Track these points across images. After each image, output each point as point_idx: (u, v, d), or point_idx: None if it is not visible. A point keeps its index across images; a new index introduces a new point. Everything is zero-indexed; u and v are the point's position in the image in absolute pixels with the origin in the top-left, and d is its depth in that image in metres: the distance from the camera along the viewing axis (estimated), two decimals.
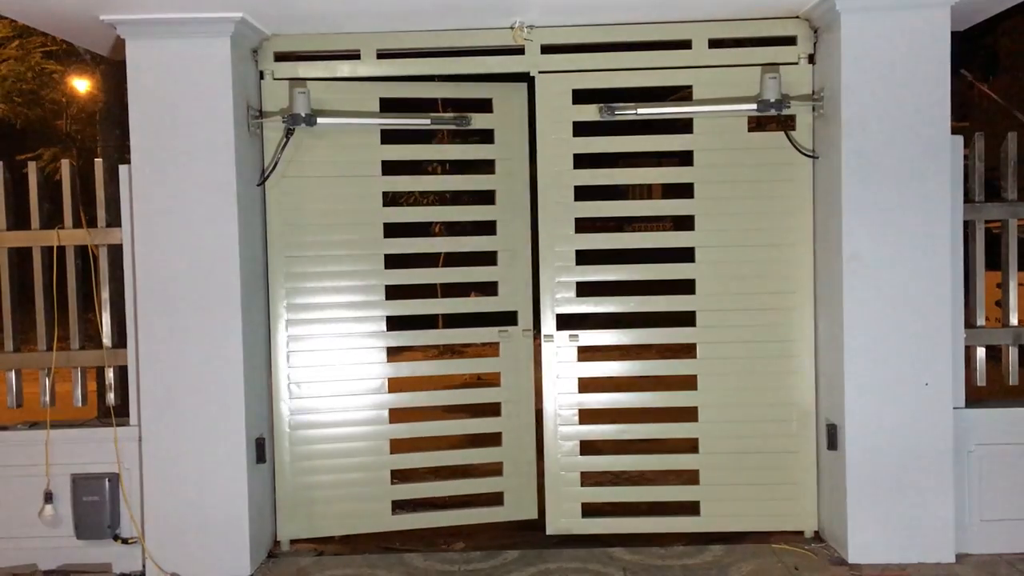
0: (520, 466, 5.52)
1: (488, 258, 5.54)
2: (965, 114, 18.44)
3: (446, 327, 5.97)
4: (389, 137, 5.39)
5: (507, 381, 5.56)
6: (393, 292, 5.41)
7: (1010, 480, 4.93)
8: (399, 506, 5.50)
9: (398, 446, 5.43)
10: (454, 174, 6.82)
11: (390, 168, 5.40)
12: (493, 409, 5.57)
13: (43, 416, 5.03)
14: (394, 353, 5.56)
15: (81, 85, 14.31)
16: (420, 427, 5.54)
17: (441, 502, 5.68)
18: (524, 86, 5.47)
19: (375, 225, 5.37)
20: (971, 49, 15.07)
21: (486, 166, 5.55)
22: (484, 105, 5.47)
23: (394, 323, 5.43)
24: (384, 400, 5.42)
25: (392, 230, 5.41)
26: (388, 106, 5.38)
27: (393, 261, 5.40)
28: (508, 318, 5.54)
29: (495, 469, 5.53)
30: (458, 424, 5.77)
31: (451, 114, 5.42)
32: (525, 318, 5.52)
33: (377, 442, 5.40)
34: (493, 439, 5.55)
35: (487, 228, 5.53)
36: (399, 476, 5.57)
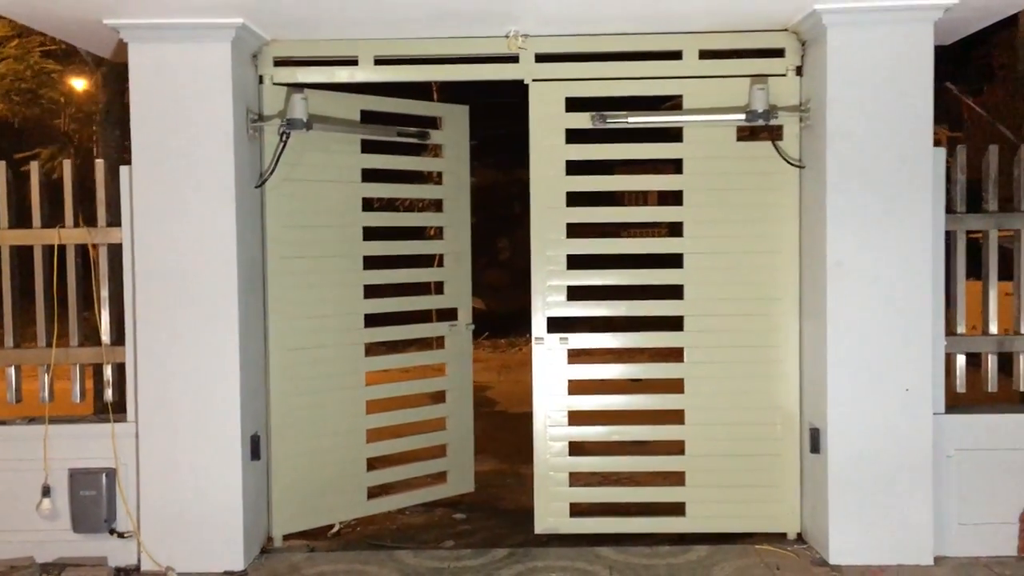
0: (461, 447, 6.20)
1: (432, 260, 6.26)
2: (959, 124, 18.62)
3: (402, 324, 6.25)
4: (368, 147, 5.74)
5: (451, 370, 6.15)
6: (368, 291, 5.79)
7: (988, 484, 5.04)
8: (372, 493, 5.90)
9: (372, 435, 5.82)
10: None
11: (368, 176, 5.75)
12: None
13: (42, 412, 5.12)
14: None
15: (79, 85, 14.41)
16: (393, 416, 5.95)
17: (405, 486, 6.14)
18: (467, 108, 6.23)
19: (355, 228, 5.66)
20: (964, 61, 15.21)
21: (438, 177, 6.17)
22: (433, 123, 5.98)
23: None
24: (362, 393, 5.72)
25: (369, 233, 5.77)
26: (368, 119, 5.71)
27: (369, 262, 5.76)
28: (451, 315, 6.23)
29: (440, 452, 6.17)
30: (414, 412, 6.10)
31: (414, 129, 5.82)
32: (465, 314, 6.19)
33: (355, 432, 5.69)
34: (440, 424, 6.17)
35: (439, 233, 6.21)
36: (372, 464, 5.93)
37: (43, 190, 5.23)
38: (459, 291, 6.22)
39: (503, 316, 17.37)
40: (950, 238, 5.14)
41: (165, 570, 4.93)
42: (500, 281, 20.28)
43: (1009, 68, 14.65)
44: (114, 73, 7.84)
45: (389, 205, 9.07)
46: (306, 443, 5.47)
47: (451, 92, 14.19)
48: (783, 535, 5.35)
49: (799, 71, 5.24)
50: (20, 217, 5.25)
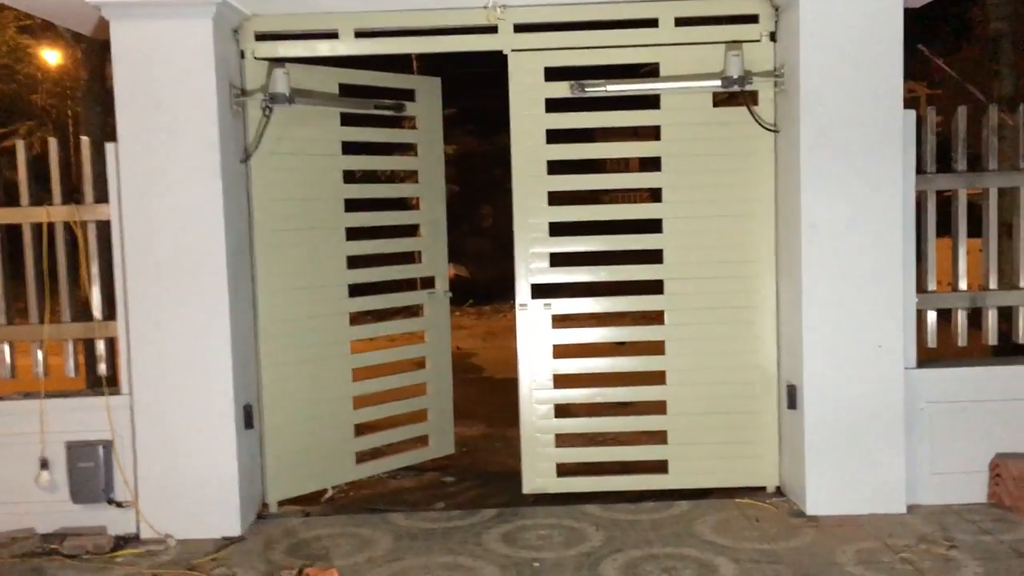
0: (441, 411, 6.42)
1: (413, 230, 6.40)
2: (939, 81, 18.72)
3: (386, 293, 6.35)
4: (346, 120, 5.83)
5: (430, 337, 6.35)
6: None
7: (958, 435, 5.23)
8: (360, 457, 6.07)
9: (358, 402, 5.97)
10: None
11: (348, 148, 5.86)
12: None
13: (36, 387, 5.21)
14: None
15: (53, 58, 14.34)
16: (376, 383, 6.13)
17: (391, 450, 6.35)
18: (439, 80, 6.34)
19: (338, 200, 5.78)
20: (941, 18, 15.27)
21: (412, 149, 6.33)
22: (409, 95, 6.06)
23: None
24: (348, 361, 5.86)
25: (350, 205, 5.89)
26: (346, 92, 5.79)
27: (350, 234, 5.89)
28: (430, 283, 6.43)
29: (422, 416, 6.35)
30: (396, 379, 6.26)
31: (390, 101, 5.89)
32: (442, 280, 6.39)
33: (343, 400, 5.85)
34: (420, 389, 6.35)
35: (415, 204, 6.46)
36: (359, 430, 6.07)
37: (28, 166, 5.27)
38: (436, 259, 6.40)
39: (487, 283, 17.50)
40: (921, 198, 5.28)
41: (164, 537, 5.06)
42: (483, 248, 20.39)
43: (984, 24, 14.78)
44: (94, 49, 7.84)
45: (372, 176, 9.16)
46: (297, 411, 5.60)
47: (431, 62, 14.24)
48: (763, 489, 5.54)
49: (773, 36, 5.34)
50: (7, 194, 5.30)
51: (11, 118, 15.14)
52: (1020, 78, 8.67)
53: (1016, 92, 8.55)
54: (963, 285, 5.36)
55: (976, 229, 5.37)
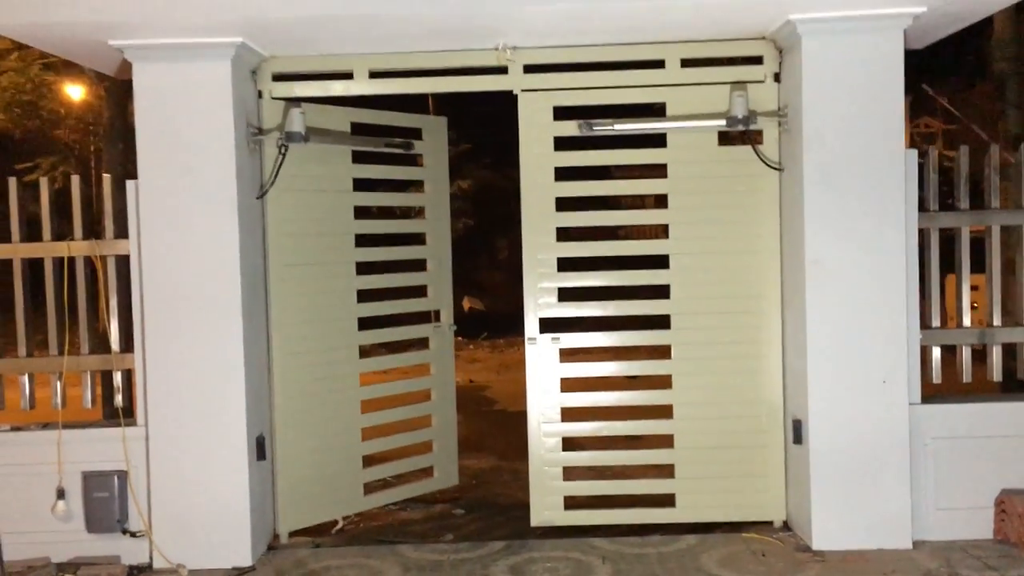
0: (446, 442, 6.51)
1: (420, 265, 6.45)
2: (955, 118, 18.80)
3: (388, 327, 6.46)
4: (358, 158, 5.99)
5: (435, 369, 6.46)
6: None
7: (964, 471, 5.25)
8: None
9: (366, 434, 6.09)
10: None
11: (359, 185, 6.01)
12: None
13: (55, 417, 5.33)
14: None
15: (76, 94, 14.62)
16: (383, 415, 6.22)
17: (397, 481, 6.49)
18: (445, 119, 6.37)
19: (349, 235, 5.92)
20: (957, 54, 15.32)
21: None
22: (416, 133, 6.22)
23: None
24: (357, 393, 5.99)
25: (360, 240, 6.05)
26: (357, 130, 5.96)
27: (360, 268, 6.04)
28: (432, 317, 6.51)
29: (427, 448, 6.47)
30: (402, 411, 6.39)
31: (400, 140, 6.06)
32: (447, 314, 6.47)
33: (352, 431, 5.95)
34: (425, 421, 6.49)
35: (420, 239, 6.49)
36: (368, 461, 6.16)
37: (51, 202, 5.43)
38: (441, 293, 6.49)
39: (502, 316, 17.57)
40: (925, 235, 5.35)
41: (176, 567, 5.14)
42: (499, 281, 20.49)
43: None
44: (117, 88, 8.06)
45: (382, 212, 9.28)
46: (308, 443, 5.69)
47: (446, 99, 14.47)
48: (770, 523, 5.56)
49: (777, 77, 5.45)
50: (29, 228, 5.45)
51: (35, 153, 15.43)
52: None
53: (1022, 131, 8.62)
54: (967, 322, 5.41)
55: (980, 266, 5.43)
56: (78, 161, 15.14)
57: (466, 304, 19.36)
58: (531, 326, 5.64)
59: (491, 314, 18.44)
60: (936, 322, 5.41)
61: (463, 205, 19.24)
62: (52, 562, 5.22)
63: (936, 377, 5.40)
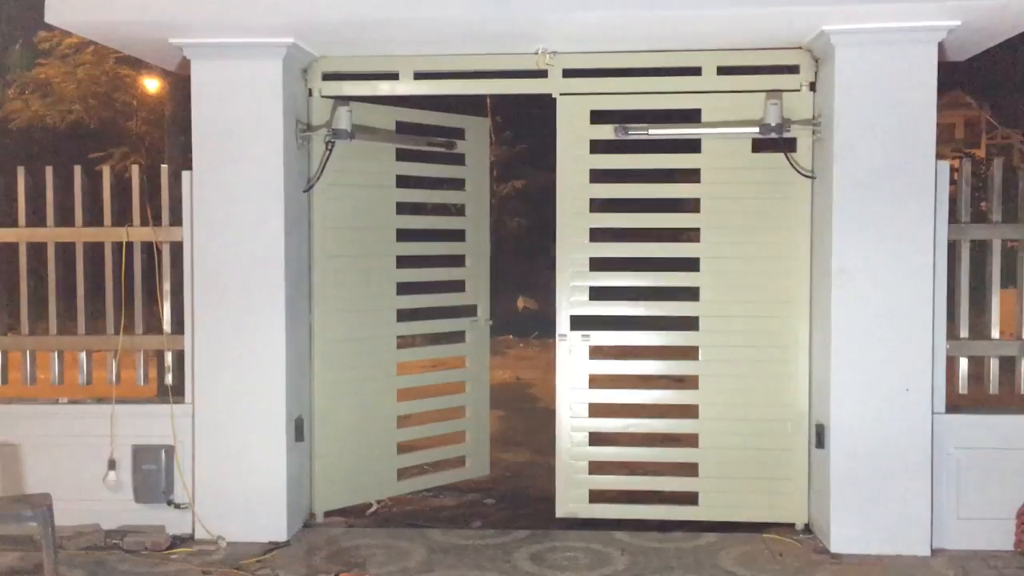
0: (479, 433, 6.70)
1: (458, 260, 6.63)
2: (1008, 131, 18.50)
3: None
4: (401, 155, 6.22)
5: (470, 362, 6.66)
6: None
7: (986, 482, 5.28)
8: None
9: (401, 422, 6.33)
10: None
11: (401, 182, 6.24)
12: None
13: (109, 393, 5.65)
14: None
15: (151, 86, 15.15)
16: (419, 404, 6.50)
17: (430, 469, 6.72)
18: (487, 120, 6.65)
19: (390, 230, 6.16)
20: (1011, 64, 15.03)
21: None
22: (459, 133, 6.42)
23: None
24: (394, 382, 6.22)
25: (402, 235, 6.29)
26: (401, 129, 6.19)
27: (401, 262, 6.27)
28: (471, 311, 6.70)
29: (460, 438, 6.70)
30: (437, 401, 6.62)
31: (442, 139, 6.28)
32: (483, 309, 6.66)
33: (387, 418, 6.21)
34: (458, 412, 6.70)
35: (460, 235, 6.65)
36: (402, 448, 6.41)
37: (113, 190, 5.75)
38: (479, 289, 6.68)
39: (555, 315, 17.66)
40: (955, 246, 5.39)
41: (216, 539, 5.42)
42: (553, 281, 20.55)
43: None
44: (180, 83, 8.41)
45: (423, 208, 9.45)
46: (345, 427, 5.94)
47: (502, 102, 14.74)
48: (791, 525, 5.64)
49: (812, 87, 5.53)
50: (92, 213, 5.79)
51: (108, 143, 16.03)
52: None
53: None
54: (995, 334, 5.43)
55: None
56: (148, 151, 15.68)
57: (520, 303, 19.55)
58: (562, 323, 5.81)
59: (544, 313, 18.57)
60: (964, 333, 5.44)
61: (517, 205, 19.41)
62: (101, 528, 5.54)
63: (963, 388, 5.43)
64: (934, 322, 5.17)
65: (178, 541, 5.47)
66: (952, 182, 5.48)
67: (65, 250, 5.80)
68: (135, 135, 16.14)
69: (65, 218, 5.76)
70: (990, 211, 5.43)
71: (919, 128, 5.10)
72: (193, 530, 5.53)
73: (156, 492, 5.54)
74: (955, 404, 5.36)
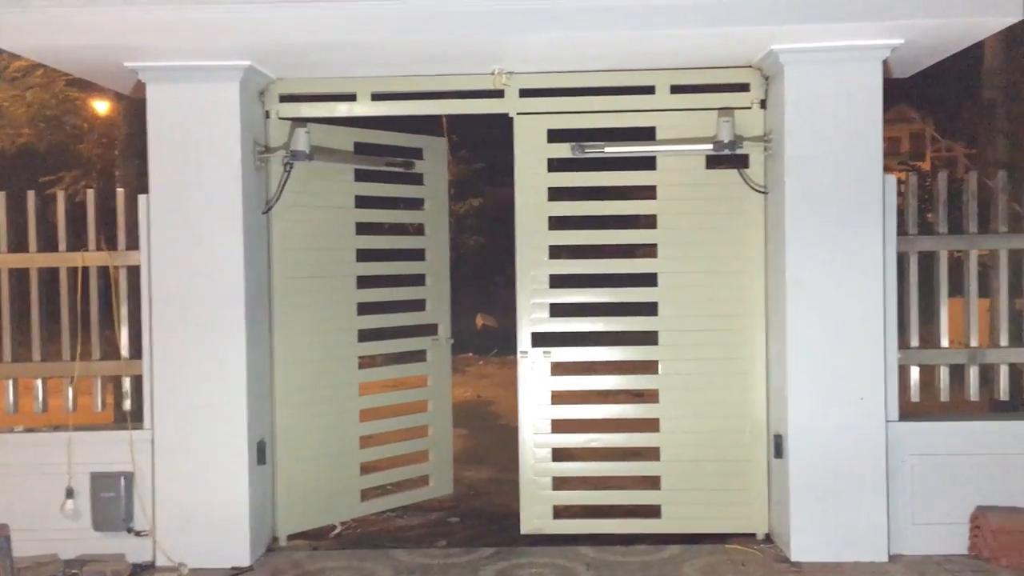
0: (442, 452, 6.70)
1: (419, 279, 6.66)
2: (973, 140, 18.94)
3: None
4: (360, 176, 6.23)
5: (432, 381, 6.65)
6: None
7: (940, 487, 5.41)
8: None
9: (364, 442, 6.29)
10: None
11: (360, 202, 6.25)
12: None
13: (66, 420, 5.57)
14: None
15: (102, 108, 14.95)
16: (381, 424, 6.47)
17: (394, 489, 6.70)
18: (444, 139, 6.67)
19: (350, 250, 6.16)
20: (954, 79, 15.36)
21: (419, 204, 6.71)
22: (417, 153, 6.46)
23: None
24: (356, 403, 6.20)
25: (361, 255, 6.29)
26: (360, 150, 6.20)
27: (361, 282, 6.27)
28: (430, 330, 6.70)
29: (423, 457, 6.66)
30: (403, 420, 6.63)
31: (400, 159, 6.34)
32: (444, 328, 6.68)
33: (350, 439, 6.17)
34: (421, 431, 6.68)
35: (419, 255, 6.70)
36: (365, 469, 6.36)
37: (67, 215, 5.70)
38: (439, 308, 6.70)
39: (514, 333, 17.67)
40: (904, 258, 5.53)
41: (178, 566, 5.36)
42: (512, 299, 20.58)
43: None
44: (133, 106, 8.35)
45: (383, 228, 9.41)
46: (307, 449, 5.91)
47: (459, 121, 14.76)
48: (753, 535, 5.72)
49: (763, 104, 5.66)
50: (46, 239, 5.72)
51: (58, 167, 15.77)
52: (1013, 145, 8.90)
53: (1011, 158, 8.78)
54: (944, 343, 5.58)
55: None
56: (100, 175, 15.46)
57: (479, 321, 19.56)
58: (523, 340, 5.85)
59: (503, 331, 18.59)
60: (915, 342, 5.57)
61: (475, 223, 19.46)
62: (60, 558, 5.44)
63: (915, 396, 5.56)
64: (886, 332, 5.30)
65: (139, 569, 5.40)
66: (899, 195, 5.61)
67: (19, 276, 5.72)
68: (86, 158, 15.91)
69: (19, 243, 5.68)
70: (936, 223, 5.58)
71: (867, 143, 5.24)
72: (154, 557, 5.46)
73: (116, 520, 5.47)
74: (908, 412, 5.49)
